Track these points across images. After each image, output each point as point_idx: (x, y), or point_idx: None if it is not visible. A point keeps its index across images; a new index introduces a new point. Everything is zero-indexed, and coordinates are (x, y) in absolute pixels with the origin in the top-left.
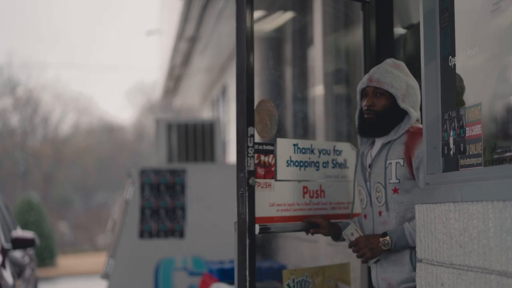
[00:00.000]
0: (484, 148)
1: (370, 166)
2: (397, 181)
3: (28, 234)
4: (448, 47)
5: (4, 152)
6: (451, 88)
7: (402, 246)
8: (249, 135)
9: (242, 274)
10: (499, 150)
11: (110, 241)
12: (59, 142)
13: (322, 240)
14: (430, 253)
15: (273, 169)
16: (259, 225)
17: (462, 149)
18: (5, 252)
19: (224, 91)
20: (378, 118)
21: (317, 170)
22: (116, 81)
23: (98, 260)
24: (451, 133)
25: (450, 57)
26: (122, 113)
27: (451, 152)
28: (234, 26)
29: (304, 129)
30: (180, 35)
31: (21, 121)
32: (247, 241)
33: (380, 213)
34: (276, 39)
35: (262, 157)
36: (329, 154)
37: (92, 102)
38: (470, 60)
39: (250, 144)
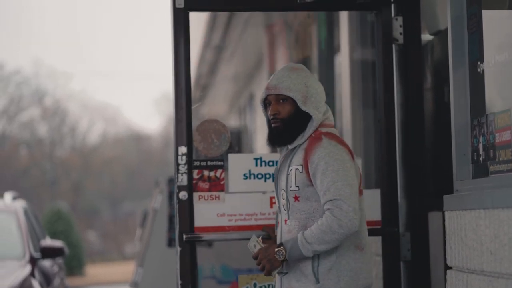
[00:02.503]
0: None
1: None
2: (297, 188)
3: (57, 243)
4: (476, 53)
5: (33, 161)
6: (480, 94)
7: (297, 257)
8: (179, 153)
9: (176, 278)
10: None
11: (138, 249)
12: (87, 151)
13: None
14: (460, 260)
15: (222, 182)
16: (186, 234)
17: (491, 155)
18: (34, 261)
19: (251, 100)
20: (285, 125)
21: None
22: (143, 90)
23: (127, 269)
24: (481, 139)
25: (479, 62)
26: (149, 122)
27: (481, 159)
28: (261, 34)
29: None
30: (206, 44)
31: (49, 131)
32: (179, 249)
33: (285, 221)
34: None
35: (206, 172)
36: None
37: (119, 111)
38: (499, 65)
39: (181, 162)
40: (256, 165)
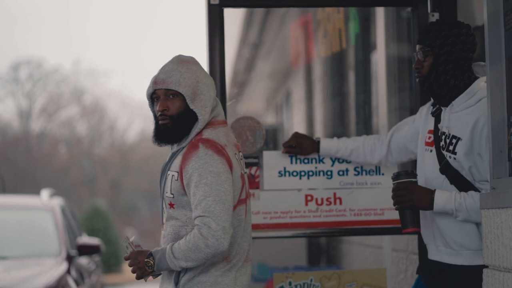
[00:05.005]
0: None
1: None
2: (172, 196)
3: (94, 240)
4: None
5: (72, 159)
6: None
7: (165, 269)
8: None
9: None
10: None
11: None
12: (125, 149)
13: (386, 246)
14: (496, 259)
15: (257, 180)
16: None
17: None
18: (70, 259)
19: (288, 97)
20: (173, 123)
21: (329, 178)
22: None
23: None
24: None
25: None
26: None
27: None
28: (297, 30)
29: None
30: (243, 41)
31: (88, 129)
32: None
33: (163, 225)
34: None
35: None
36: (348, 162)
37: None
38: None
39: None
40: (291, 162)
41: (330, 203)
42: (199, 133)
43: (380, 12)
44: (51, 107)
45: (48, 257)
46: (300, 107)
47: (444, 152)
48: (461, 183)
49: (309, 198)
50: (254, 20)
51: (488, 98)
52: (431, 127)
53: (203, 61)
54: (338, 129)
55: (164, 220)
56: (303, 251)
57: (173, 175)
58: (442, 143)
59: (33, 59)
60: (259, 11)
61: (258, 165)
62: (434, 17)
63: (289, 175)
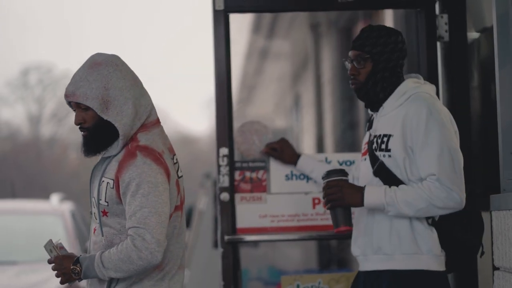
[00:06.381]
0: None
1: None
2: (106, 203)
3: None
4: None
5: (82, 164)
6: None
7: (93, 277)
8: (220, 155)
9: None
10: None
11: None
12: None
13: None
14: (507, 261)
15: (264, 183)
16: (227, 236)
17: None
18: None
19: (297, 100)
20: (90, 135)
21: None
22: (192, 92)
23: None
24: None
25: None
26: (198, 124)
27: None
28: (306, 34)
29: None
30: (252, 44)
31: None
32: (221, 250)
33: (94, 230)
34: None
35: (248, 174)
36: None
37: (167, 113)
38: None
39: (223, 163)
40: None
41: None
42: (134, 138)
43: (388, 14)
44: (61, 112)
45: None
46: (309, 110)
47: (378, 152)
48: (395, 183)
49: (316, 201)
50: (263, 23)
51: (497, 99)
52: (367, 139)
53: (210, 66)
54: (347, 133)
55: (92, 225)
56: (313, 254)
57: (108, 183)
58: (375, 145)
59: (43, 64)
60: (268, 15)
61: (265, 168)
62: (443, 19)
63: (296, 179)
